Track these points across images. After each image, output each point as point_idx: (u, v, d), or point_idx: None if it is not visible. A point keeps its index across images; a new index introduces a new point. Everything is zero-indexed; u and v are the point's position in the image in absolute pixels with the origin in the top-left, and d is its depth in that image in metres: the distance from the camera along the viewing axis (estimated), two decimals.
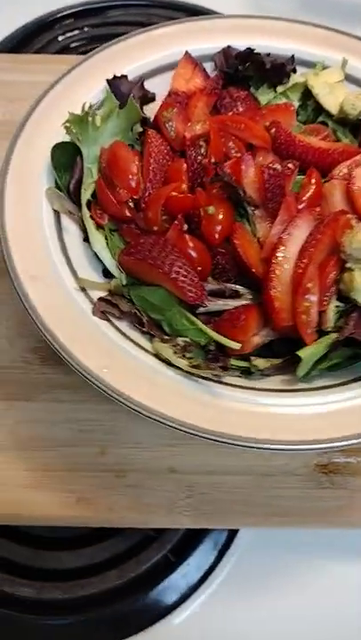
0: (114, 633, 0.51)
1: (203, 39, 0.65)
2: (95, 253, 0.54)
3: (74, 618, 0.51)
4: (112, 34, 0.96)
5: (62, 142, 0.54)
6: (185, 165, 0.53)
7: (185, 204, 0.51)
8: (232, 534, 0.56)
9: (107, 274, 0.54)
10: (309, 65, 0.64)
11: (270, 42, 0.64)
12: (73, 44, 0.93)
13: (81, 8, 0.97)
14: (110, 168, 0.53)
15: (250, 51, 0.60)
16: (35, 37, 0.94)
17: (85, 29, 0.96)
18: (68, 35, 0.95)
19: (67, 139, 0.56)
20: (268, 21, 0.66)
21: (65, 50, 0.92)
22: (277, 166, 0.51)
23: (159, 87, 0.63)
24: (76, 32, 0.95)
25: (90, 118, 0.53)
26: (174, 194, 0.50)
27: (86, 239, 0.54)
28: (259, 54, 0.59)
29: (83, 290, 0.50)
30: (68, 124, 0.53)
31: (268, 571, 0.56)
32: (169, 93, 0.57)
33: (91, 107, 0.55)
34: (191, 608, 0.54)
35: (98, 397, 0.57)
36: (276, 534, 0.56)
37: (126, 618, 0.53)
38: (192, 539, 0.56)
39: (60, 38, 0.94)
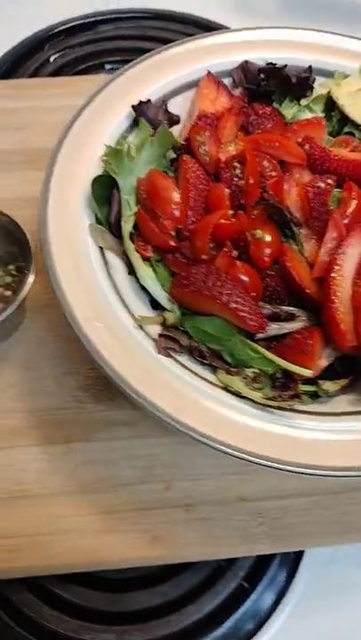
0: None
1: (219, 55, 0.64)
2: (141, 286, 0.53)
3: None
4: (105, 49, 0.95)
5: (99, 175, 0.53)
6: (227, 190, 0.52)
7: (232, 230, 0.50)
8: (300, 552, 0.56)
9: (154, 305, 0.53)
10: (325, 74, 0.64)
11: (287, 53, 0.63)
12: (67, 63, 0.91)
13: (71, 25, 0.95)
14: (152, 199, 0.52)
15: (273, 65, 0.59)
16: (27, 59, 0.92)
17: (78, 47, 0.94)
18: (61, 54, 0.93)
19: (99, 170, 0.55)
20: (282, 31, 0.65)
21: (60, 70, 0.90)
22: (321, 184, 0.51)
23: (179, 107, 0.62)
24: (68, 50, 0.94)
25: (125, 149, 0.52)
26: (222, 221, 0.49)
27: (131, 272, 0.53)
28: (283, 69, 0.59)
29: (140, 326, 0.49)
30: (105, 158, 0.52)
31: (340, 584, 0.56)
32: (198, 116, 0.56)
33: (124, 137, 0.54)
34: (270, 632, 0.53)
35: (156, 431, 0.56)
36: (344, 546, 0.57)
37: None
38: (262, 563, 0.55)
39: (52, 59, 0.92)
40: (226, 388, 0.47)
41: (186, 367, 0.47)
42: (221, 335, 0.48)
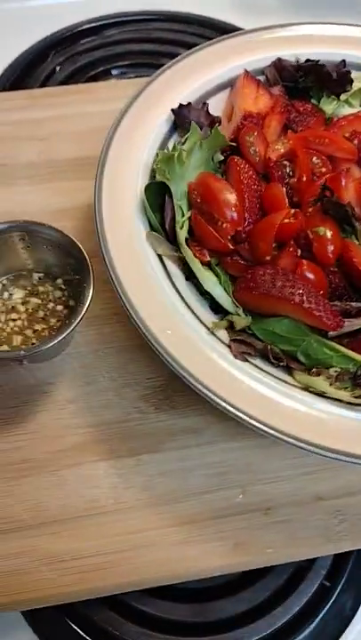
0: None
1: (248, 54, 0.63)
2: (199, 291, 0.52)
3: None
4: (112, 55, 0.93)
5: (150, 183, 0.52)
6: (284, 189, 0.52)
7: (294, 230, 0.50)
8: None
9: (215, 310, 0.52)
10: (357, 67, 0.64)
11: (316, 48, 0.63)
12: (77, 70, 0.90)
13: (75, 31, 0.94)
14: (208, 202, 0.51)
15: (312, 62, 0.59)
16: (33, 69, 0.90)
17: (84, 54, 0.92)
18: (68, 62, 0.91)
19: (145, 178, 0.55)
20: (310, 27, 0.65)
21: (71, 77, 0.89)
22: None
23: (213, 109, 0.62)
24: (76, 57, 0.92)
25: (176, 154, 0.51)
26: (286, 220, 0.49)
27: (188, 278, 0.52)
28: (324, 65, 0.59)
29: (211, 332, 0.48)
30: (158, 165, 0.51)
31: None
32: (244, 116, 0.56)
33: (178, 142, 0.53)
34: (357, 629, 0.53)
35: (225, 436, 0.55)
36: None
37: None
38: (341, 560, 0.55)
39: (61, 66, 0.90)
40: (306, 389, 0.46)
41: (264, 370, 0.47)
42: (293, 336, 0.48)
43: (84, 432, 0.55)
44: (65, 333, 0.49)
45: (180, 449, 0.54)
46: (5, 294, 0.56)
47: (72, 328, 0.50)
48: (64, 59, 0.91)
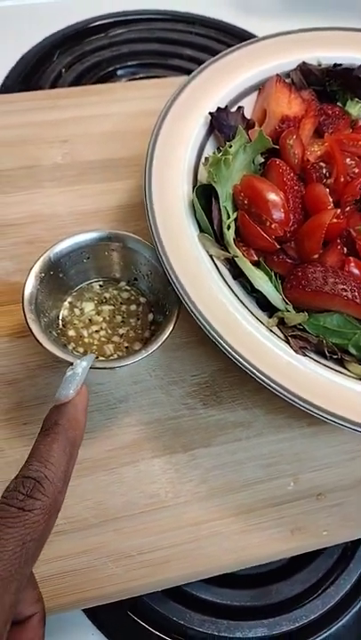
0: None
1: (270, 59, 0.66)
2: (246, 290, 0.54)
3: None
4: (118, 55, 0.94)
5: (199, 185, 0.54)
6: (327, 190, 0.54)
7: (340, 229, 0.53)
8: None
9: (262, 307, 0.54)
10: None
11: (338, 52, 0.66)
12: (83, 72, 0.90)
13: (80, 29, 0.94)
14: (256, 204, 0.53)
15: (340, 66, 0.61)
16: (38, 70, 0.89)
17: (90, 54, 0.92)
18: (75, 62, 0.91)
19: (189, 180, 0.56)
20: (332, 33, 0.68)
21: (79, 79, 0.88)
22: None
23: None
24: (82, 57, 0.91)
25: (223, 158, 0.53)
26: (335, 220, 0.52)
27: (235, 277, 0.54)
28: (353, 69, 0.61)
29: (270, 329, 0.50)
30: (210, 169, 0.52)
31: None
32: (282, 120, 0.58)
33: (228, 146, 0.54)
34: None
35: (271, 429, 0.58)
36: None
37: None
38: None
39: (69, 67, 0.90)
40: None
41: (321, 363, 0.49)
42: (344, 330, 0.51)
43: (137, 430, 0.56)
44: (160, 342, 0.50)
45: (230, 442, 0.56)
46: (77, 310, 0.57)
47: (167, 336, 0.50)
48: (71, 59, 0.91)
